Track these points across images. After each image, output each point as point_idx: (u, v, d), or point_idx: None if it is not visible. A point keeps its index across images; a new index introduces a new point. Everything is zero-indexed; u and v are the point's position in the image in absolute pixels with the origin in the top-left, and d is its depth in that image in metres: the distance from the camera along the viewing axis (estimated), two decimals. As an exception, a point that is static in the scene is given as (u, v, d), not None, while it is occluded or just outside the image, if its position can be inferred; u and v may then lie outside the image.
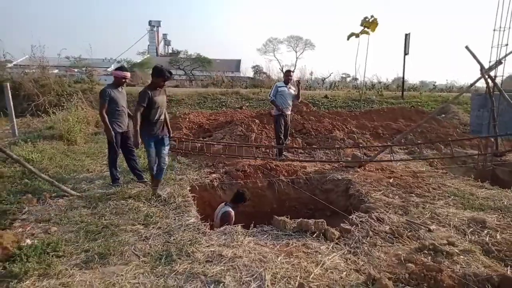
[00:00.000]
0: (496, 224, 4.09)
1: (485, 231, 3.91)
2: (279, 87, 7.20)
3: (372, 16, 13.13)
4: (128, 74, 5.53)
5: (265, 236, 3.78)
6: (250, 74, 41.97)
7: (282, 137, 7.10)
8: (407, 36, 15.40)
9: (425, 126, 10.37)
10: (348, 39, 13.23)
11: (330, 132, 8.49)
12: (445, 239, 3.74)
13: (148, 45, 65.45)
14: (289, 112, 7.29)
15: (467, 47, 6.68)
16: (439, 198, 5.02)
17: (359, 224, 4.04)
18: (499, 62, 6.11)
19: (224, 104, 15.19)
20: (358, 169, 6.43)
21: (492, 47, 6.20)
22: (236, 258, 3.29)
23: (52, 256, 3.21)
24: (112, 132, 5.21)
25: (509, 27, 5.94)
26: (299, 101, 8.05)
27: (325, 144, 8.06)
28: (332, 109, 13.76)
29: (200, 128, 9.21)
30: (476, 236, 3.81)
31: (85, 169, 6.19)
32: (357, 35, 13.36)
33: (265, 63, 71.51)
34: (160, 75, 4.67)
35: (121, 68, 5.60)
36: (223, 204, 5.12)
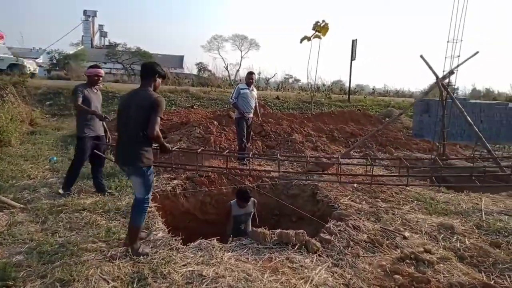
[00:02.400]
0: (462, 229, 4.26)
1: (455, 237, 4.05)
2: (241, 89, 6.97)
3: (323, 21, 13.49)
4: (101, 72, 4.96)
5: (245, 251, 3.53)
6: (194, 71, 41.15)
7: (245, 140, 6.88)
8: (354, 42, 16.04)
9: (374, 129, 10.83)
10: (301, 42, 13.44)
11: (289, 134, 8.46)
12: (421, 247, 3.80)
13: (83, 36, 61.18)
14: (251, 115, 7.10)
15: (421, 56, 7.01)
16: (404, 203, 5.16)
17: (337, 233, 3.96)
18: (451, 72, 6.48)
19: (173, 102, 14.61)
20: (323, 174, 6.43)
21: (445, 58, 6.57)
22: (219, 278, 3.00)
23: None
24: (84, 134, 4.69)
25: (461, 40, 6.32)
26: (259, 121, 7.92)
27: (285, 147, 7.99)
28: (284, 110, 13.87)
29: (152, 129, 8.63)
30: (448, 242, 3.92)
31: (25, 175, 5.45)
32: (309, 39, 13.63)
33: (210, 60, 70.45)
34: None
35: (93, 66, 5.01)
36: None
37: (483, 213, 4.81)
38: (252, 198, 4.78)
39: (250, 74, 7.30)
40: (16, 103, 9.07)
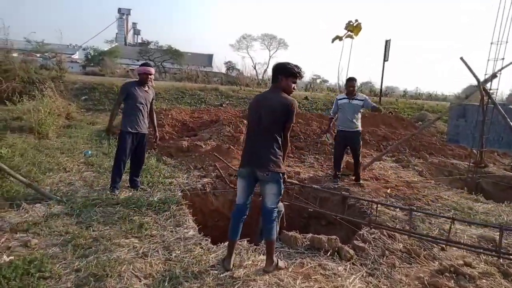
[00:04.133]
0: (505, 242, 4.02)
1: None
2: (339, 99, 6.04)
3: (356, 20, 13.22)
4: (151, 70, 4.98)
5: (275, 255, 3.46)
6: (223, 70, 41.48)
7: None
8: (387, 43, 15.63)
9: (407, 133, 10.49)
10: (332, 42, 13.28)
11: (319, 136, 8.32)
12: (460, 259, 3.62)
13: (117, 33, 62.94)
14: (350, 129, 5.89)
15: (462, 58, 6.69)
16: (441, 212, 4.94)
17: (371, 241, 3.83)
18: (494, 75, 6.15)
19: (203, 100, 14.74)
20: (353, 177, 6.27)
21: (488, 60, 6.25)
22: (250, 282, 2.96)
23: (38, 279, 2.74)
24: (114, 129, 4.83)
25: (506, 41, 5.98)
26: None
27: (314, 149, 7.87)
28: (313, 111, 13.69)
29: (183, 126, 8.75)
30: (490, 256, 3.71)
31: (61, 168, 5.61)
32: (340, 38, 13.40)
33: (239, 59, 70.79)
34: None
35: (144, 64, 5.08)
36: None
37: (527, 226, 4.53)
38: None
39: (350, 81, 5.95)
40: (54, 97, 9.41)
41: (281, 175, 3.10)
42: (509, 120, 5.79)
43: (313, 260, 3.39)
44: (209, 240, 3.76)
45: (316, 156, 7.54)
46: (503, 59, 6.03)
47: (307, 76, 38.38)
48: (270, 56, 47.89)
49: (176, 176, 5.78)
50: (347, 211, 5.47)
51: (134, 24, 70.08)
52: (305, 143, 8.06)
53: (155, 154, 6.76)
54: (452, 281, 3.17)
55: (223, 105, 14.19)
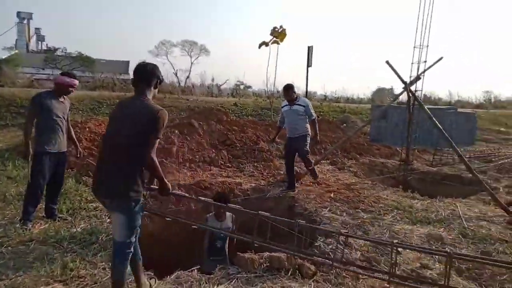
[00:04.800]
0: (450, 239, 4.12)
1: (446, 248, 3.88)
2: (282, 107, 6.00)
3: (281, 27, 13.36)
4: (77, 82, 4.26)
5: (233, 282, 3.05)
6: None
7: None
8: (309, 49, 16.14)
9: (336, 136, 10.83)
10: (259, 47, 13.22)
11: (256, 143, 8.07)
12: (417, 262, 3.58)
13: (17, 39, 56.40)
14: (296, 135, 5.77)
15: (387, 62, 6.96)
16: (385, 213, 4.97)
17: (330, 253, 3.61)
18: (418, 77, 6.50)
19: (124, 110, 13.57)
20: (296, 184, 6.11)
21: (412, 63, 6.59)
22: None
23: None
24: (31, 150, 3.92)
25: (427, 45, 6.37)
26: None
27: (251, 156, 7.59)
28: (243, 117, 13.46)
29: (105, 140, 7.81)
30: (440, 256, 3.74)
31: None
32: (267, 44, 13.43)
33: (158, 66, 68.20)
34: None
35: (68, 74, 4.26)
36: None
37: (463, 220, 4.74)
38: (231, 214, 4.29)
39: (287, 88, 5.77)
40: None
41: (131, 204, 2.50)
42: (434, 119, 6.12)
43: (274, 284, 3.05)
44: (152, 273, 3.21)
45: (255, 164, 7.26)
46: (425, 61, 6.40)
47: (231, 83, 38.43)
48: (191, 63, 46.97)
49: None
50: (295, 219, 5.26)
51: (37, 29, 63.50)
52: (242, 151, 7.74)
53: (74, 175, 5.85)
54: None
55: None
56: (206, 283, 3.01)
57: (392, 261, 3.04)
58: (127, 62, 51.72)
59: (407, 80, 6.52)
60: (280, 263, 3.29)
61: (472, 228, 4.46)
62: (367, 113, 16.74)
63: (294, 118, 5.66)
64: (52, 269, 3.06)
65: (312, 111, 5.80)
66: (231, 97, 21.01)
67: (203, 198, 4.04)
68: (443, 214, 5.00)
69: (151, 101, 2.60)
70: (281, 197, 5.62)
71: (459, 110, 14.28)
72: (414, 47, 6.49)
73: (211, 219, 4.22)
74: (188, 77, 42.57)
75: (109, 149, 2.55)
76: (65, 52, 42.48)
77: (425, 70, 6.45)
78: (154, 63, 2.83)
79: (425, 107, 6.44)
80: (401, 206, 5.23)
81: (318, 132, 5.96)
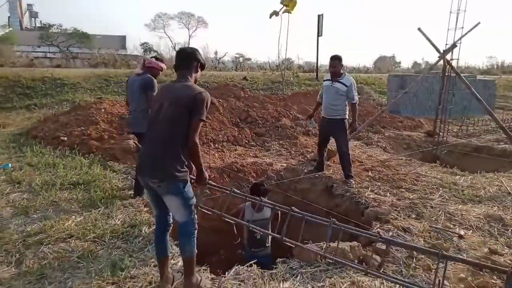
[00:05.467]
0: (510, 219, 3.89)
1: (509, 230, 3.66)
2: (324, 80, 5.33)
3: (291, -6, 12.67)
4: (165, 66, 4.36)
5: (298, 278, 2.83)
6: (137, 52, 38.72)
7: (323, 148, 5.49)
8: (320, 18, 15.43)
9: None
10: (270, 17, 12.52)
11: (278, 119, 7.74)
12: (483, 247, 3.35)
13: (9, 17, 54.62)
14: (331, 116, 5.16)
15: (420, 29, 6.55)
16: (431, 192, 4.72)
17: (391, 241, 3.38)
18: (454, 45, 6.10)
19: (131, 87, 13.13)
20: (328, 162, 5.84)
21: (448, 30, 6.15)
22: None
23: None
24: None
25: (465, 10, 5.92)
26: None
27: (275, 134, 7.28)
28: (254, 92, 13.03)
29: (122, 121, 7.47)
30: (506, 238, 3.52)
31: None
32: (277, 14, 12.77)
33: (156, 40, 66.78)
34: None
35: (158, 59, 4.33)
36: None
37: (515, 197, 4.51)
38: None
39: (332, 59, 5.05)
40: None
41: (179, 184, 2.43)
42: (473, 89, 5.78)
43: (342, 278, 2.83)
44: (208, 268, 3.00)
45: (280, 142, 6.97)
46: (462, 28, 5.97)
47: (230, 55, 37.57)
48: (189, 36, 45.75)
49: (133, 186, 4.74)
50: (333, 200, 5.04)
51: (29, 5, 61.51)
52: (265, 128, 7.43)
53: (98, 160, 5.57)
54: (495, 276, 2.86)
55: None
56: (271, 280, 2.79)
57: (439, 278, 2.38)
58: (124, 37, 50.61)
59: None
60: (345, 255, 3.06)
61: (527, 206, 4.23)
62: (379, 83, 16.31)
63: (333, 97, 5.04)
64: (101, 269, 2.84)
65: (355, 93, 5.06)
66: (234, 70, 20.45)
67: (237, 191, 3.58)
68: (491, 191, 4.76)
69: (193, 84, 2.55)
70: (316, 177, 5.36)
71: (478, 77, 13.84)
72: (450, 12, 6.03)
73: (248, 210, 3.94)
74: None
75: (153, 131, 2.49)
76: (60, 29, 41.27)
77: (461, 37, 6.04)
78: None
79: (463, 77, 6.07)
80: (445, 184, 4.99)
81: (357, 118, 5.27)
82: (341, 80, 4.99)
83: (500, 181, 5.16)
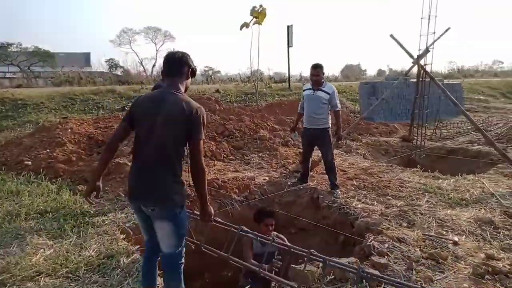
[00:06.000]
0: (502, 221, 3.86)
1: (501, 233, 3.62)
2: (304, 90, 5.19)
3: (260, 6, 12.69)
4: None
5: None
6: (102, 69, 37.87)
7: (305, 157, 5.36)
8: (289, 28, 15.54)
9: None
10: (240, 29, 12.50)
11: (255, 131, 7.57)
12: (480, 252, 3.28)
13: (-37, 36, 52.17)
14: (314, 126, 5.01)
15: (392, 36, 6.63)
16: (417, 198, 4.67)
17: (388, 253, 3.24)
18: (427, 50, 6.18)
19: (99, 106, 12.62)
20: (310, 172, 5.71)
21: (420, 36, 6.23)
22: None
23: None
24: None
25: (435, 15, 6.02)
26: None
27: (254, 146, 7.10)
28: (228, 104, 12.85)
29: (90, 141, 7.05)
30: (500, 241, 3.47)
31: None
32: (247, 25, 12.74)
33: (122, 56, 65.59)
34: None
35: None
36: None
37: (499, 198, 4.52)
38: (277, 234, 3.66)
39: (314, 68, 4.91)
40: None
41: (176, 209, 2.23)
42: (449, 93, 5.86)
43: (344, 298, 2.64)
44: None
45: (260, 154, 6.79)
46: (434, 33, 6.06)
47: (199, 69, 37.39)
48: (157, 50, 45.23)
49: (107, 210, 4.39)
50: (321, 212, 4.89)
51: (-15, 24, 58.98)
52: (243, 141, 7.23)
53: (67, 184, 5.16)
54: (498, 284, 2.76)
55: (126, 108, 12.38)
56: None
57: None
58: (88, 54, 49.42)
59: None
60: (343, 273, 2.88)
61: (512, 206, 4.24)
62: (350, 91, 16.55)
63: (316, 106, 4.90)
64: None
65: (338, 100, 4.97)
66: (206, 83, 20.21)
67: (246, 230, 3.19)
68: (476, 193, 4.76)
69: (185, 96, 2.32)
70: (301, 189, 5.19)
71: (445, 81, 14.32)
72: (422, 18, 6.13)
73: (256, 242, 3.52)
74: (154, 65, 41.15)
75: (145, 150, 2.23)
76: (20, 48, 39.63)
77: (434, 42, 6.13)
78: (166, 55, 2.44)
79: (437, 81, 6.15)
80: (430, 189, 4.95)
81: (341, 126, 5.19)
82: (323, 89, 4.89)
83: (481, 182, 5.19)
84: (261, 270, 2.61)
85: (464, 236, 3.58)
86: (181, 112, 2.15)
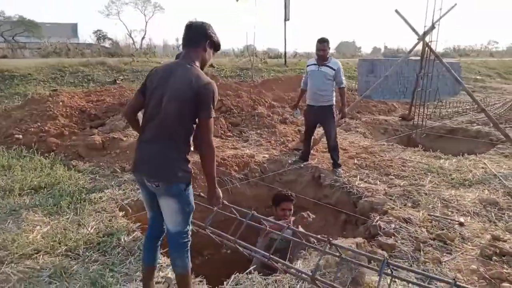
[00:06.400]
0: (506, 203, 3.84)
1: (505, 214, 3.60)
2: (308, 65, 4.96)
3: (258, -23, 12.25)
4: None
5: (305, 284, 2.55)
6: (90, 40, 36.75)
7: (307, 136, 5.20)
8: (286, 1, 15.11)
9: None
10: (237, 0, 12.12)
11: (253, 108, 7.40)
12: (486, 233, 3.26)
13: None
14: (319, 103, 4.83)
15: (397, 11, 6.42)
16: (420, 177, 4.62)
17: (395, 233, 3.19)
18: (432, 27, 6.01)
19: (90, 78, 12.28)
20: (311, 150, 5.61)
21: (426, 12, 6.04)
22: None
23: None
24: None
25: (443, -9, 5.81)
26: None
27: (252, 123, 6.95)
28: (223, 79, 12.58)
29: (82, 115, 6.82)
30: (505, 222, 3.45)
31: None
32: (244, -4, 12.34)
33: (110, 27, 63.62)
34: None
35: None
36: None
37: (502, 179, 4.49)
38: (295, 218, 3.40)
39: (320, 42, 4.68)
40: None
41: (181, 186, 2.08)
42: (453, 71, 5.73)
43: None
44: (204, 280, 2.66)
45: (258, 131, 6.65)
46: (440, 9, 5.88)
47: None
48: (146, 22, 43.97)
49: (103, 187, 4.26)
50: (322, 191, 4.82)
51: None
52: (240, 117, 7.07)
53: (60, 159, 4.99)
54: (505, 265, 2.74)
55: (118, 81, 12.05)
56: (277, 287, 2.49)
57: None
58: (75, 25, 47.92)
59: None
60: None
61: (515, 187, 4.22)
62: (347, 68, 16.31)
63: (320, 82, 4.71)
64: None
65: (343, 77, 4.80)
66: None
67: (258, 215, 2.97)
68: (478, 174, 4.72)
69: (197, 69, 2.12)
70: (302, 167, 5.10)
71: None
72: (429, -7, 5.91)
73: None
74: (143, 37, 40.12)
75: (151, 124, 2.11)
76: (3, 16, 38.07)
77: (440, 18, 5.95)
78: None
79: (442, 59, 6.01)
80: (432, 168, 4.91)
81: (345, 103, 5.00)
82: (328, 64, 4.69)
83: (483, 163, 5.15)
84: (270, 256, 2.50)
85: (469, 217, 3.55)
86: (189, 87, 2.00)
